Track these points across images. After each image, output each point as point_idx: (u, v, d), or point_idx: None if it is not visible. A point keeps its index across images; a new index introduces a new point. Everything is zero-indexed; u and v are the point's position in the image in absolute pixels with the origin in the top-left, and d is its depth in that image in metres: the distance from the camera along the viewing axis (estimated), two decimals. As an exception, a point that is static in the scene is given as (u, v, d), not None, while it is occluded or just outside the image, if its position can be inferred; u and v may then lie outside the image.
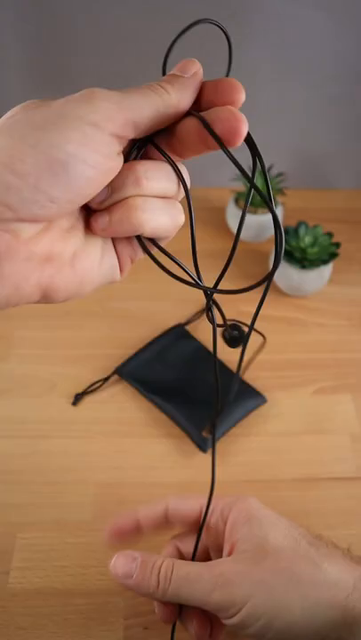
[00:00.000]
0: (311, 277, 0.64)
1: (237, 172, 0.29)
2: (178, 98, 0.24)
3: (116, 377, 0.58)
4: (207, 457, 0.53)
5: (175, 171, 0.25)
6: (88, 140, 0.20)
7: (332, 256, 0.64)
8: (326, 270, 0.65)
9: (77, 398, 0.56)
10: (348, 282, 0.70)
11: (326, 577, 0.28)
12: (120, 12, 0.64)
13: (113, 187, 0.24)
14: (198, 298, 0.67)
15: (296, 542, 0.30)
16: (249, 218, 0.72)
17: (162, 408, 0.55)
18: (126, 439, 0.54)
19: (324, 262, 0.64)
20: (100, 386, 0.57)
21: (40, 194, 0.20)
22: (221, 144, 0.24)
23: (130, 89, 0.23)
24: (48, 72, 0.70)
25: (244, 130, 0.25)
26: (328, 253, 0.64)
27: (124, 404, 0.57)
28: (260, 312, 0.28)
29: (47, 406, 0.56)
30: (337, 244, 0.65)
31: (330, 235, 0.65)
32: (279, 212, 0.73)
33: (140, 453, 0.53)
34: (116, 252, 0.27)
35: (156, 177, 0.24)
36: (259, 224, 0.72)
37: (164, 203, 0.25)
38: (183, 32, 0.27)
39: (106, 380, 0.58)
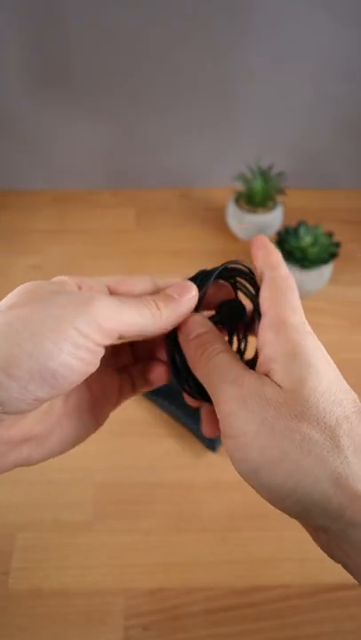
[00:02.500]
0: (311, 277, 0.64)
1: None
2: (168, 322, 0.26)
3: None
4: (207, 457, 0.53)
5: None
6: (79, 351, 0.22)
7: (333, 256, 0.64)
8: (326, 270, 0.65)
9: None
10: (348, 282, 0.70)
11: (347, 469, 0.21)
12: (120, 11, 0.64)
13: None
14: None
15: (341, 407, 0.22)
16: (249, 218, 0.72)
17: (167, 410, 0.55)
18: (126, 439, 0.54)
19: (325, 262, 0.63)
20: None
21: (28, 394, 0.22)
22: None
23: (128, 300, 0.25)
24: (48, 72, 0.70)
25: None
26: (328, 253, 0.64)
27: (124, 403, 0.57)
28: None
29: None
30: (337, 244, 0.64)
31: (330, 235, 0.65)
32: (279, 211, 0.73)
33: (140, 453, 0.53)
34: (94, 411, 0.29)
35: None
36: (259, 224, 0.72)
37: None
38: (213, 274, 0.28)
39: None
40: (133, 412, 0.56)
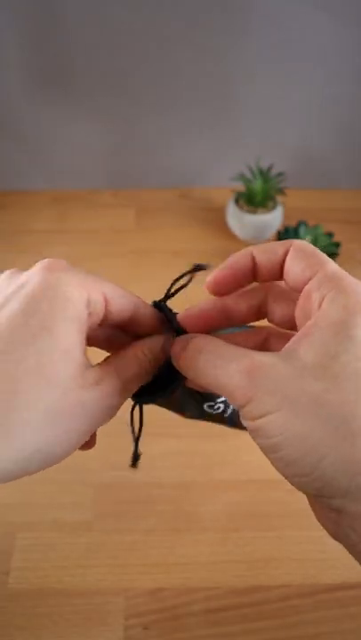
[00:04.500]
0: (311, 277, 0.64)
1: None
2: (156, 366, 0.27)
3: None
4: (207, 457, 0.53)
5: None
6: None
7: (332, 256, 0.64)
8: (326, 270, 0.65)
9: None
10: (348, 282, 0.70)
11: None
12: (120, 11, 0.64)
13: None
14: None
15: None
16: (249, 218, 0.72)
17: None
18: (126, 439, 0.54)
19: (325, 262, 0.64)
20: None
21: None
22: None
23: (121, 355, 0.26)
24: (48, 72, 0.70)
25: None
26: (328, 253, 0.64)
27: (124, 403, 0.57)
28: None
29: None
30: (337, 244, 0.65)
31: (330, 235, 0.65)
32: (279, 211, 0.73)
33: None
34: None
35: None
36: (258, 224, 0.72)
37: None
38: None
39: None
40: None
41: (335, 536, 0.23)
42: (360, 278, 0.24)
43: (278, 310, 0.26)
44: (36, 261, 0.24)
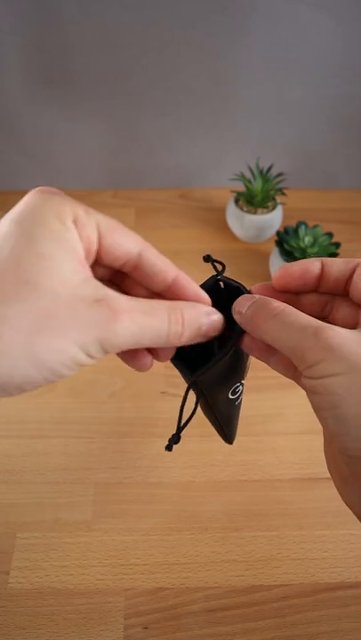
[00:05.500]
0: (311, 277, 0.64)
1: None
2: (183, 342, 0.26)
3: (114, 376, 0.58)
4: (207, 457, 0.53)
5: None
6: (77, 366, 0.22)
7: (332, 256, 0.64)
8: (326, 270, 0.65)
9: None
10: (348, 282, 0.70)
11: None
12: (120, 11, 0.64)
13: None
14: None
15: None
16: (249, 218, 0.72)
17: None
18: (126, 439, 0.55)
19: (324, 262, 0.63)
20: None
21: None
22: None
23: (153, 315, 0.24)
24: (48, 72, 0.70)
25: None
26: (328, 253, 0.64)
27: (124, 403, 0.57)
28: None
29: (47, 406, 0.56)
30: (337, 244, 0.65)
31: (330, 235, 0.65)
32: (279, 212, 0.73)
33: (139, 453, 0.53)
34: None
35: None
36: (259, 224, 0.72)
37: None
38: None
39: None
40: (133, 412, 0.56)
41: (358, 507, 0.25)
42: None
43: (340, 313, 0.29)
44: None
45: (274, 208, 0.73)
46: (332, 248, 0.64)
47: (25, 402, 0.57)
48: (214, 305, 0.28)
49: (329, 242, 0.65)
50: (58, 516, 0.49)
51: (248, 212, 0.73)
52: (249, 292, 0.28)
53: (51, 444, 0.54)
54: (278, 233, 0.66)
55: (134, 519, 0.49)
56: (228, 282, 0.29)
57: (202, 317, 0.26)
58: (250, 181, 0.72)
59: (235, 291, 0.29)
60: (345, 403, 0.23)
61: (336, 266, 0.28)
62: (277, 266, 0.66)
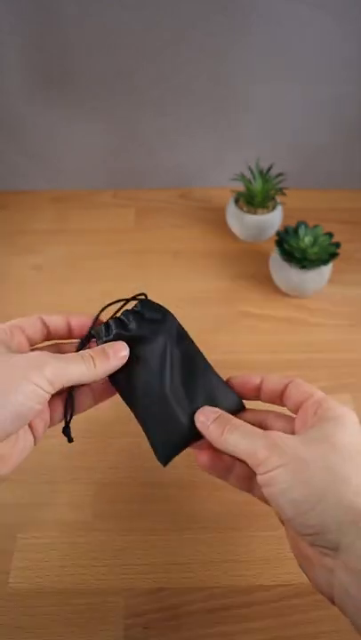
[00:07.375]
0: (311, 277, 0.64)
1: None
2: (101, 372, 0.35)
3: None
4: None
5: None
6: (38, 398, 0.31)
7: (333, 256, 0.64)
8: (326, 270, 0.65)
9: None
10: (348, 282, 0.70)
11: None
12: (120, 11, 0.64)
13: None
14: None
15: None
16: (249, 218, 0.72)
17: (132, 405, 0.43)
18: (126, 439, 0.55)
19: (324, 262, 0.64)
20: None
21: (2, 432, 0.30)
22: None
23: (69, 357, 0.34)
24: (48, 72, 0.70)
25: None
26: (328, 253, 0.64)
27: (123, 403, 0.57)
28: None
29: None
30: (337, 244, 0.65)
31: (330, 235, 0.65)
32: (279, 212, 0.73)
33: (139, 453, 0.53)
34: (36, 431, 0.38)
35: None
36: (258, 224, 0.72)
37: None
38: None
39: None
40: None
41: (328, 594, 0.30)
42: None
43: (276, 426, 0.36)
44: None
45: (274, 208, 0.73)
46: (332, 248, 0.64)
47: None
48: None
49: (329, 242, 0.65)
50: (58, 516, 0.49)
51: (248, 212, 0.73)
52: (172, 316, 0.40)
53: (50, 443, 0.54)
54: (278, 233, 0.66)
55: (134, 519, 0.49)
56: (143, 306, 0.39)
57: (110, 351, 0.37)
58: (250, 181, 0.72)
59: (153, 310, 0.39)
60: (294, 489, 0.28)
61: (273, 383, 0.36)
62: (278, 266, 0.66)
